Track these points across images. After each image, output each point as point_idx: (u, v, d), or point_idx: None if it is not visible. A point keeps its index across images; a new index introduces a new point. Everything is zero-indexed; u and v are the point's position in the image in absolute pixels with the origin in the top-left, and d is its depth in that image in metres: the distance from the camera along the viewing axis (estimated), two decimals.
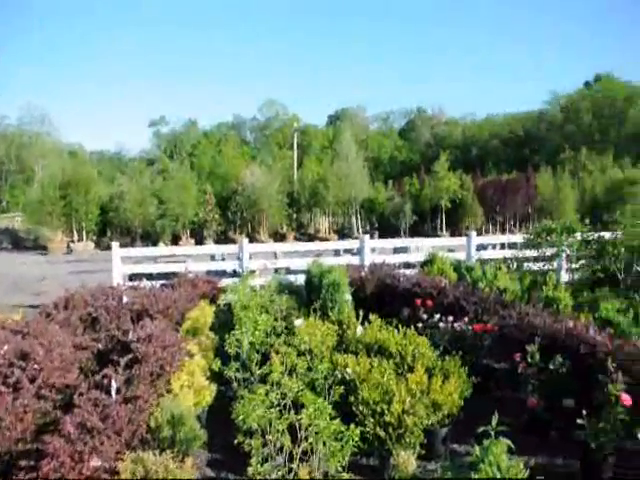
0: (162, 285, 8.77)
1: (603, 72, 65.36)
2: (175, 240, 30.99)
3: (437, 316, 6.78)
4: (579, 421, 4.28)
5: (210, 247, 21.39)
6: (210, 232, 31.90)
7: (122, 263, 10.07)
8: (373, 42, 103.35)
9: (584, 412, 4.30)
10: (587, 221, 11.49)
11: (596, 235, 9.48)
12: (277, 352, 5.16)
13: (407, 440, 4.27)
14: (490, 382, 6.15)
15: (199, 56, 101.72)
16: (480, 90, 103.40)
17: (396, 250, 14.17)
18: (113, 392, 4.03)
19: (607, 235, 9.49)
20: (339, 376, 4.98)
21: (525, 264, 10.40)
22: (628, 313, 6.43)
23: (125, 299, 6.86)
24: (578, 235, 9.72)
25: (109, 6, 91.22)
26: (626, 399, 4.10)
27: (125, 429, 3.68)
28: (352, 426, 3.87)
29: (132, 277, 10.64)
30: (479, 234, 28.74)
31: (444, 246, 13.28)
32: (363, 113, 70.60)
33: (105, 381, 4.20)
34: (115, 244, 10.17)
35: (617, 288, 8.32)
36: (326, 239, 31.59)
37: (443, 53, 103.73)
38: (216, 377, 5.48)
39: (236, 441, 3.80)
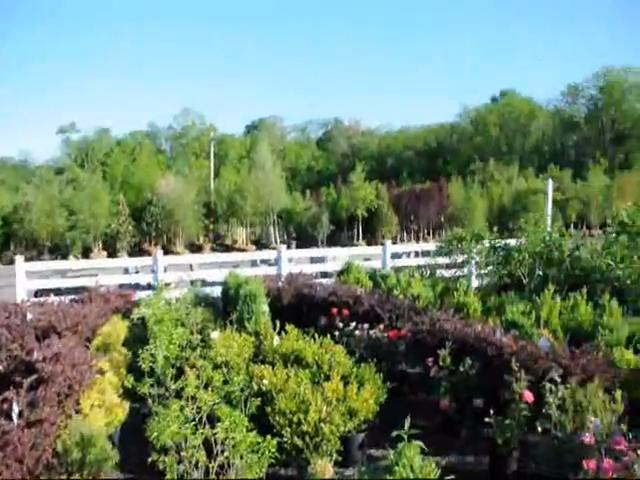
0: (72, 300, 8.38)
1: (508, 88, 69.34)
2: (86, 253, 29.73)
3: (353, 324, 6.90)
4: (487, 419, 4.47)
5: (123, 260, 20.70)
6: (123, 244, 30.86)
7: (27, 278, 9.52)
8: (290, 52, 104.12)
9: (491, 410, 4.50)
10: (495, 229, 12.05)
11: (502, 242, 9.97)
12: (193, 366, 5.06)
13: (324, 448, 4.31)
14: (405, 386, 6.33)
15: (113, 62, 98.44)
16: (396, 102, 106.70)
17: (313, 260, 14.28)
18: (14, 416, 3.80)
19: (512, 242, 10.01)
20: (256, 388, 4.95)
21: (438, 271, 10.79)
22: (531, 315, 6.81)
23: (30, 316, 6.49)
24: (486, 242, 10.18)
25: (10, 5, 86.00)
26: (528, 396, 4.34)
27: (28, 455, 3.48)
28: (268, 437, 3.86)
29: (39, 293, 10.10)
30: (394, 242, 29.61)
31: (360, 255, 13.56)
32: (280, 123, 70.90)
33: (5, 405, 3.95)
34: (19, 258, 9.61)
35: (522, 292, 8.77)
36: (243, 250, 31.41)
37: (360, 65, 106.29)
38: (130, 394, 5.29)
39: (150, 459, 3.69)
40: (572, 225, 36.07)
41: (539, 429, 4.17)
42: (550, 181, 14.93)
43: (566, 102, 67.84)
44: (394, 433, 3.36)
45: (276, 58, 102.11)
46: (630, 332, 6.29)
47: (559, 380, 4.24)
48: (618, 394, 4.01)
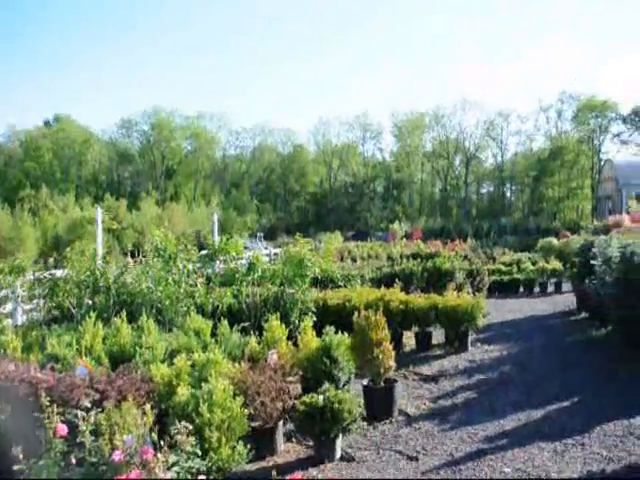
0: None
1: (63, 113, 67.46)
2: None
3: None
4: (17, 467, 4.13)
5: None
6: None
7: None
8: None
9: (22, 455, 4.18)
10: (52, 259, 11.45)
11: (47, 273, 9.52)
12: None
13: None
14: None
15: None
16: None
17: None
18: None
19: (59, 272, 9.65)
20: None
21: None
22: (76, 345, 6.68)
23: None
24: (30, 275, 9.54)
25: None
26: (61, 429, 4.20)
27: None
28: None
29: None
30: None
31: None
32: None
33: None
34: None
35: (73, 323, 8.53)
36: None
37: None
38: None
39: None
40: (129, 253, 37.27)
41: (73, 460, 4.08)
42: (99, 209, 15.06)
43: (121, 134, 70.32)
44: None
45: None
46: (167, 347, 6.84)
47: (90, 405, 4.25)
48: (148, 408, 4.25)
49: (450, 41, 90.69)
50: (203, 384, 4.59)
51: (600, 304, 10.33)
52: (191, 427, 3.96)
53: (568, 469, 5.01)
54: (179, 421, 4.01)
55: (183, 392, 4.64)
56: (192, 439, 3.89)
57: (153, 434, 4.13)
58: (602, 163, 50.34)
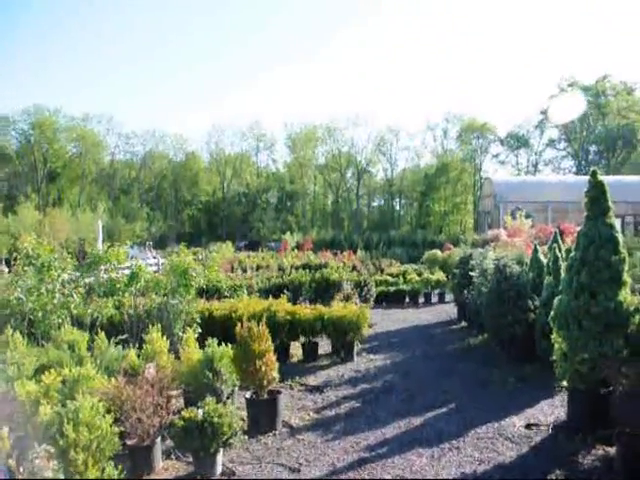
0: None
1: None
2: None
3: None
4: None
5: None
6: None
7: None
8: None
9: None
10: None
11: None
12: None
13: None
14: None
15: None
16: None
17: None
18: None
19: None
20: None
21: None
22: None
23: None
24: None
25: None
26: None
27: None
28: None
29: None
30: None
31: None
32: None
33: None
34: None
35: None
36: None
37: None
38: None
39: None
40: (4, 261, 34.48)
41: None
42: None
43: None
44: None
45: None
46: (39, 362, 6.34)
47: None
48: (4, 431, 3.90)
49: (345, 56, 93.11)
50: (69, 402, 4.26)
51: (478, 313, 10.94)
52: (53, 450, 3.65)
53: (444, 472, 5.20)
54: (39, 444, 3.69)
55: (46, 411, 4.28)
56: (54, 463, 3.58)
57: (11, 460, 3.79)
58: (482, 181, 53.66)
